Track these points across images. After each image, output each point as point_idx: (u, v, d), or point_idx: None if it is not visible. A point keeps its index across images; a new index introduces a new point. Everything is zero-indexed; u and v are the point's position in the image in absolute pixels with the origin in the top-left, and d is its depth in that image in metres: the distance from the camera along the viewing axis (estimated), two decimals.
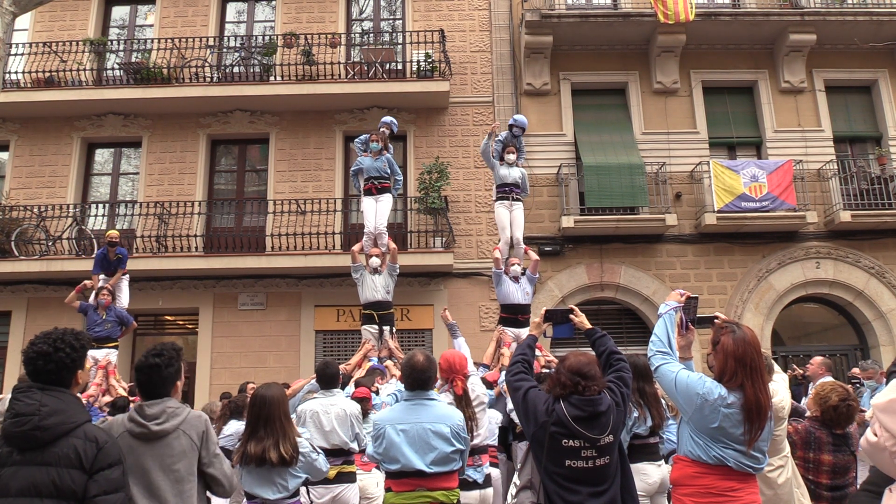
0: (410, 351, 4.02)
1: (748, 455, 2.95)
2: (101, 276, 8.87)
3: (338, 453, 4.97)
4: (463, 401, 4.36)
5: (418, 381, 3.70)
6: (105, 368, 8.02)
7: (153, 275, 11.90)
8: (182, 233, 11.95)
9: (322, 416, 5.00)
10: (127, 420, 2.90)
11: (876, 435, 1.81)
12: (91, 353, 8.80)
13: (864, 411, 5.01)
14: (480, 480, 4.58)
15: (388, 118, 9.13)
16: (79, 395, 5.67)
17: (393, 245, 8.39)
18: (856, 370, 8.26)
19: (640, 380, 4.43)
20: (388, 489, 3.65)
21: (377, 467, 5.01)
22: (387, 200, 8.62)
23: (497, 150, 8.44)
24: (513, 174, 8.47)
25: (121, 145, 13.32)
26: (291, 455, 3.69)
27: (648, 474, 4.48)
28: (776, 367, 4.77)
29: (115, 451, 2.61)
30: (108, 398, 7.66)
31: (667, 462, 4.61)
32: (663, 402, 4.74)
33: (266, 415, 3.73)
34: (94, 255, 9.35)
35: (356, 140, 8.94)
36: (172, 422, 2.89)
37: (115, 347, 8.57)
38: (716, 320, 3.27)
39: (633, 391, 4.36)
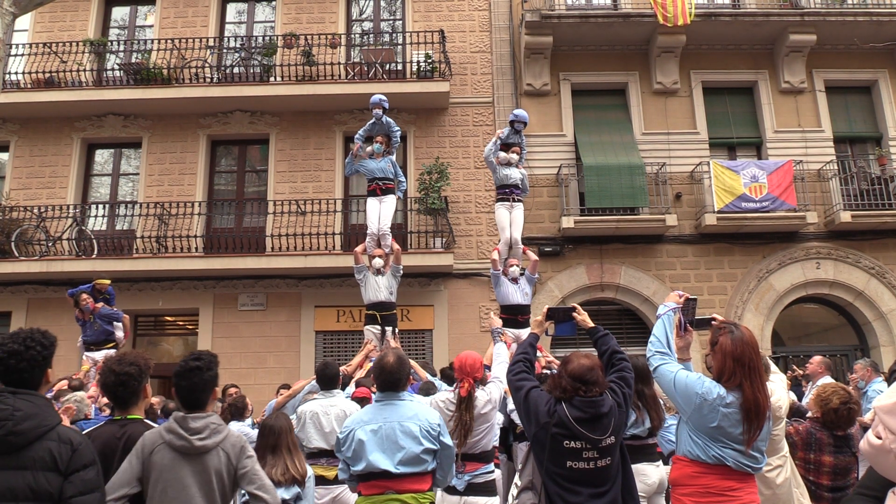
0: (381, 353, 4.01)
1: (747, 455, 2.96)
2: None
3: None
4: (463, 404, 4.27)
5: (387, 382, 3.64)
6: None
7: (153, 275, 11.91)
8: (182, 233, 11.94)
9: (322, 416, 4.99)
10: (166, 432, 2.85)
11: (879, 437, 1.77)
12: (91, 355, 8.86)
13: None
14: (460, 487, 4.41)
15: (375, 97, 8.66)
16: (48, 395, 5.70)
17: (396, 246, 8.40)
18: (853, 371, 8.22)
19: (639, 381, 4.40)
20: (358, 493, 3.57)
21: None
22: (391, 202, 8.61)
23: (497, 147, 8.48)
24: (514, 176, 8.52)
25: (121, 146, 13.33)
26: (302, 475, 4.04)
27: (647, 475, 4.48)
28: (773, 367, 4.78)
29: (89, 452, 2.59)
30: (107, 399, 7.66)
31: (666, 463, 4.61)
32: (662, 402, 4.72)
33: (273, 443, 4.12)
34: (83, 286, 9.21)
35: (357, 135, 8.83)
36: (214, 438, 2.86)
37: (114, 347, 8.59)
38: (713, 321, 3.27)
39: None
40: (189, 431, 2.82)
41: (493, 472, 4.60)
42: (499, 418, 6.10)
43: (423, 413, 3.61)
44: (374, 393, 5.98)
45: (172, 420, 2.87)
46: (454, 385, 4.50)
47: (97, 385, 7.89)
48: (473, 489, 4.43)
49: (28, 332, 2.66)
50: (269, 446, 4.09)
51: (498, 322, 6.88)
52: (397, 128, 8.85)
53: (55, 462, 2.48)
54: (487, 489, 4.49)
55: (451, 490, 4.43)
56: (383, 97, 8.71)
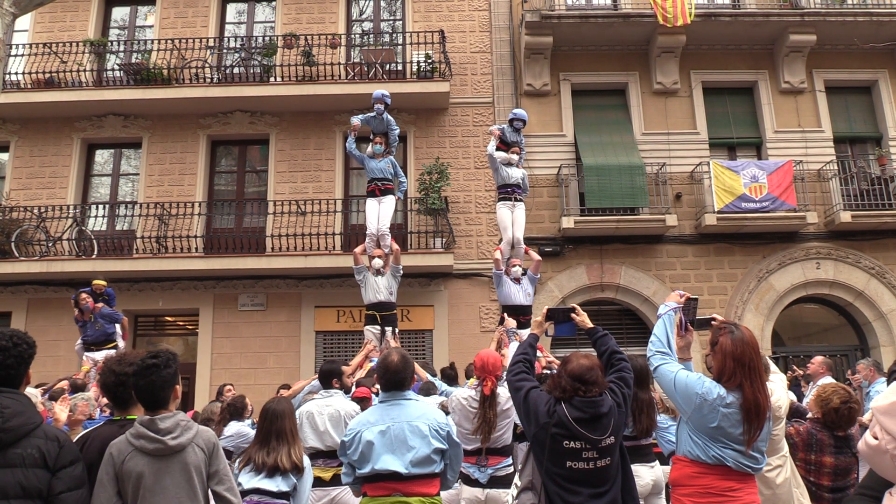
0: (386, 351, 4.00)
1: (747, 455, 2.95)
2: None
3: (334, 455, 4.87)
4: (487, 402, 4.39)
5: (392, 381, 3.60)
6: None
7: (153, 276, 11.91)
8: (182, 233, 11.95)
9: (317, 416, 4.90)
10: (133, 438, 2.77)
11: (876, 438, 1.77)
12: (91, 355, 8.88)
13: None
14: (483, 481, 4.53)
15: (378, 92, 8.69)
16: (45, 395, 5.72)
17: (396, 246, 8.40)
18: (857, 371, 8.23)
19: (634, 384, 4.40)
20: (364, 494, 3.53)
21: None
22: (390, 202, 8.63)
23: (503, 134, 8.53)
24: (515, 175, 8.55)
25: (121, 146, 13.33)
26: (301, 461, 3.85)
27: (640, 476, 4.47)
28: (773, 367, 4.77)
29: (74, 449, 2.64)
30: (107, 399, 7.67)
31: (665, 463, 4.61)
32: (662, 402, 4.72)
33: (278, 428, 3.92)
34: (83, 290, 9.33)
35: (354, 118, 8.79)
36: (187, 435, 2.81)
37: (115, 348, 8.59)
38: (713, 321, 3.27)
39: None
40: (160, 433, 2.76)
41: (511, 465, 4.72)
42: None
43: (430, 412, 3.60)
44: (375, 393, 5.98)
45: (138, 425, 2.80)
46: (477, 383, 4.59)
47: (97, 385, 7.92)
48: (495, 482, 4.58)
49: (12, 331, 2.69)
50: (275, 431, 3.89)
51: (512, 323, 6.98)
52: (396, 126, 8.87)
53: (44, 459, 2.51)
54: (508, 482, 4.57)
55: (474, 483, 4.57)
56: (386, 93, 8.73)
